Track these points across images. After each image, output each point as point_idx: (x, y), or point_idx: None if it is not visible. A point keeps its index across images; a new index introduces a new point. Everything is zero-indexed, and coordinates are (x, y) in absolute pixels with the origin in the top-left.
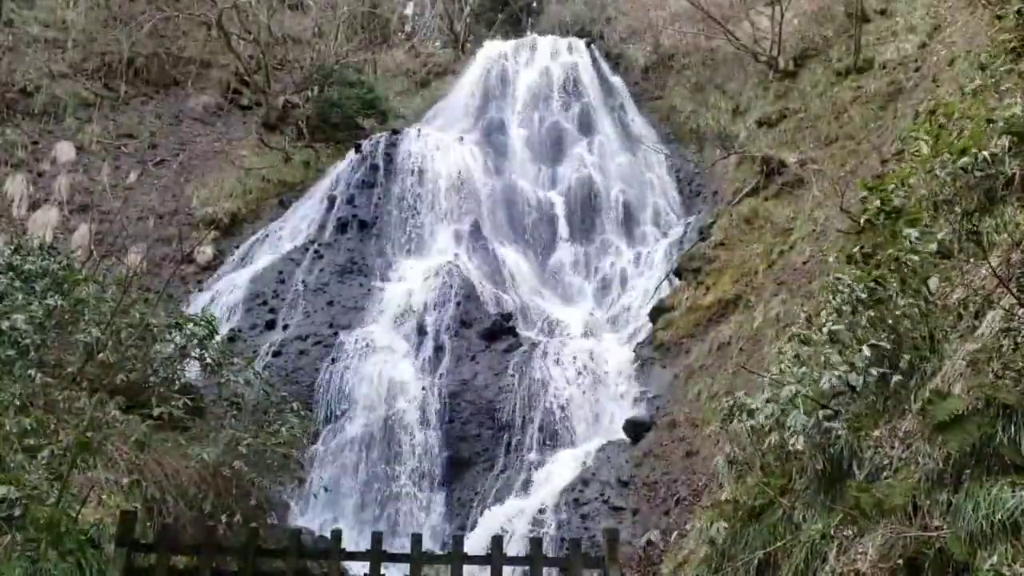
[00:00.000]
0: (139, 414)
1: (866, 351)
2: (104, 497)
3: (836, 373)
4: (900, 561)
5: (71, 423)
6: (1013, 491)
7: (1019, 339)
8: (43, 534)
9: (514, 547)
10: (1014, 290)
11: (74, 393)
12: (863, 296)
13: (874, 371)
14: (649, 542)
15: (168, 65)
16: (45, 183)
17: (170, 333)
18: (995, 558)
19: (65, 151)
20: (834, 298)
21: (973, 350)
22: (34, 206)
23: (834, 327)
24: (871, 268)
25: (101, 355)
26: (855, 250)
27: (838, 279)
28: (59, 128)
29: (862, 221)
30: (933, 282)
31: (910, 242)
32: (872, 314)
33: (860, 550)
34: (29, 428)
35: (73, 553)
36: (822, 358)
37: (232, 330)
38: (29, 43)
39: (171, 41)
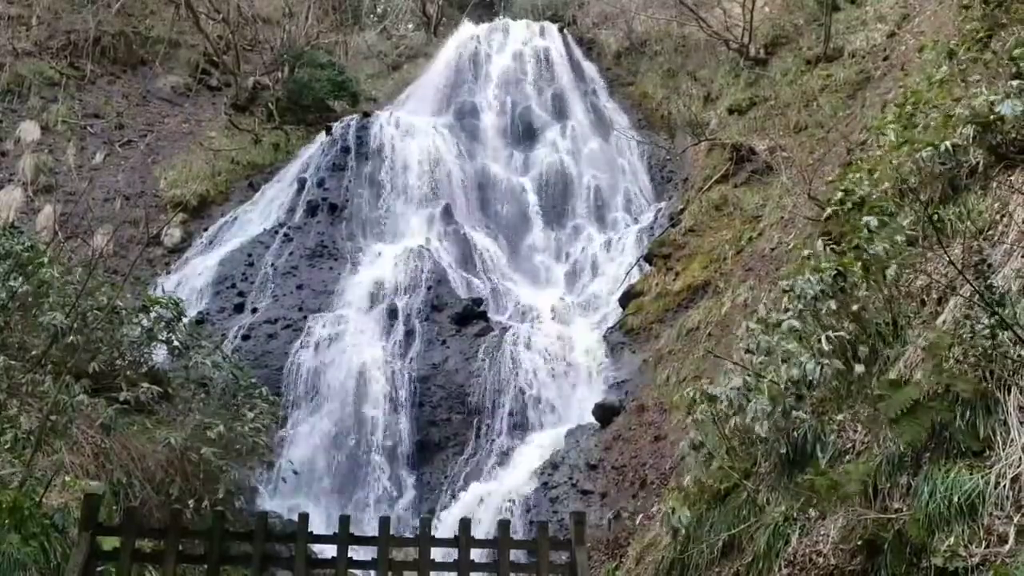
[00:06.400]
0: (106, 397)
1: (831, 336)
2: (68, 480)
3: (800, 360)
4: (860, 543)
5: (35, 406)
6: (971, 474)
7: (978, 326)
8: (6, 518)
9: (482, 530)
10: (973, 278)
11: (38, 376)
12: (822, 289)
13: (828, 360)
14: (616, 515)
15: (135, 44)
16: (9, 163)
17: (137, 316)
18: (952, 539)
19: (29, 131)
20: (794, 290)
21: (934, 337)
22: None
23: (792, 321)
24: (836, 257)
25: (69, 338)
26: (820, 239)
27: (805, 260)
28: (23, 107)
29: (828, 210)
30: (891, 271)
31: (869, 230)
32: (834, 304)
33: (822, 532)
34: None
35: (36, 537)
36: (781, 351)
37: (200, 313)
38: None
39: (139, 20)
